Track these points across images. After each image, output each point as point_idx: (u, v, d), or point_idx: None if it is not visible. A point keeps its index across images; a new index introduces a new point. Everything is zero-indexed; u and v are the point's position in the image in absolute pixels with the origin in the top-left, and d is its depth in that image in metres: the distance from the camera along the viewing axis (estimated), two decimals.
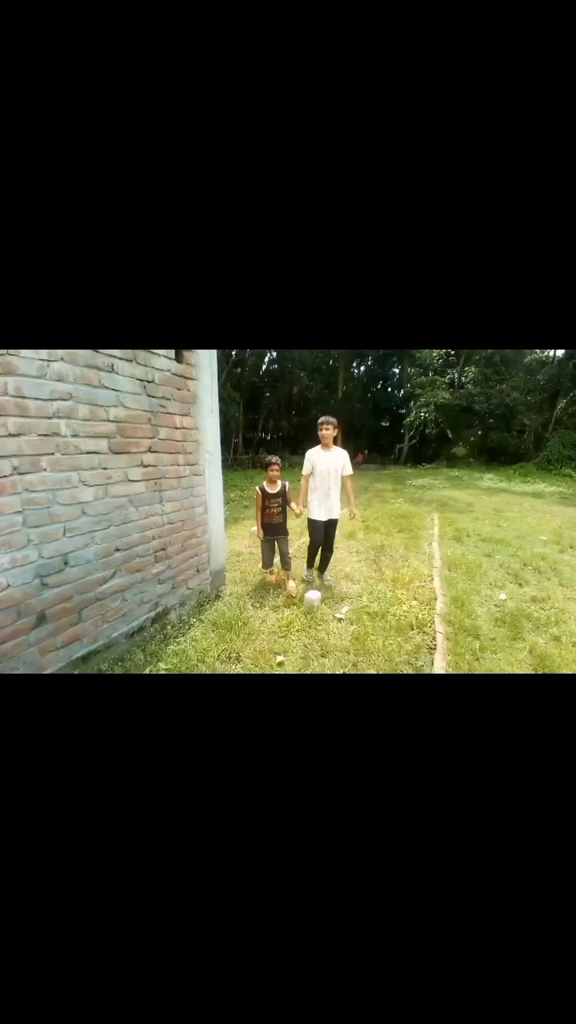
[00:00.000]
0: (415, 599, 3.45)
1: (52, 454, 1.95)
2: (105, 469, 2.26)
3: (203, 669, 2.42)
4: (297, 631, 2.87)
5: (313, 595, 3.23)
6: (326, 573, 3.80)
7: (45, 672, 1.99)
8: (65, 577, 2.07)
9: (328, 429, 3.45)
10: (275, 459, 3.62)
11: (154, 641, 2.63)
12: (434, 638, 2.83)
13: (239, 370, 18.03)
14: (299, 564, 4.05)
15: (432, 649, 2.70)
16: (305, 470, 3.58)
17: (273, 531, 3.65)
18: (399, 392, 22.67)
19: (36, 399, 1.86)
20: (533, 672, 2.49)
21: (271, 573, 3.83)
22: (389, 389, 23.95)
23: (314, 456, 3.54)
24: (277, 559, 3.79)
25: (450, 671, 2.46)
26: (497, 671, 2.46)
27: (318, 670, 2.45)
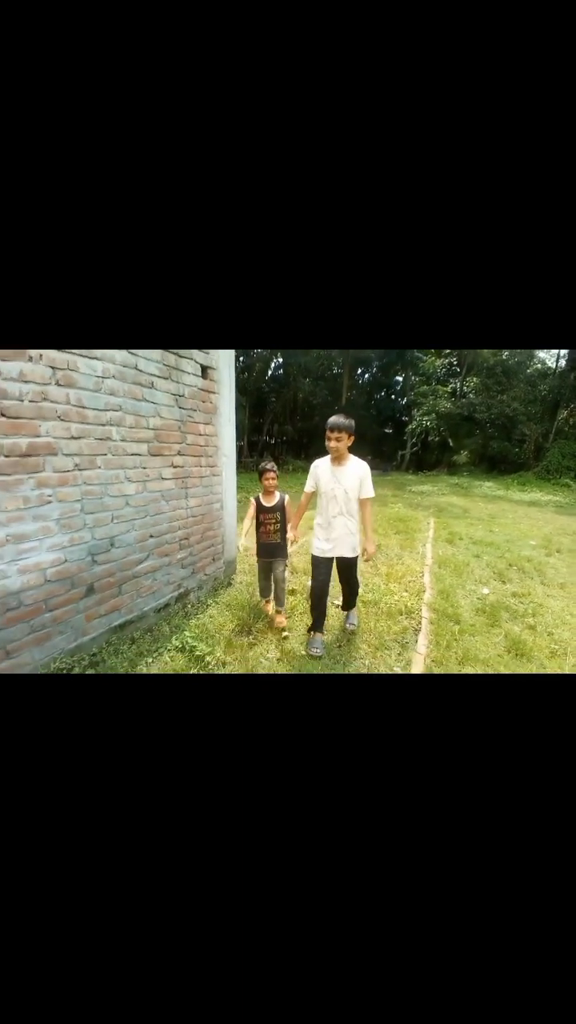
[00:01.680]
0: (406, 591, 3.84)
1: (105, 455, 2.39)
2: (144, 468, 2.70)
3: (220, 640, 2.83)
4: (300, 613, 3.28)
5: None
6: (351, 613, 2.99)
7: (88, 637, 2.41)
8: (111, 556, 2.50)
9: (339, 439, 2.45)
10: (271, 465, 2.96)
11: (177, 617, 3.05)
12: (419, 622, 3.23)
13: (245, 375, 18.51)
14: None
15: (417, 631, 3.10)
16: (307, 487, 2.68)
17: (270, 552, 3.02)
18: (402, 400, 23.10)
19: (93, 409, 2.30)
20: (507, 654, 2.88)
21: (267, 602, 3.24)
22: (392, 397, 24.39)
23: (319, 470, 2.61)
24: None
25: (431, 648, 2.86)
26: (473, 651, 2.85)
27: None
